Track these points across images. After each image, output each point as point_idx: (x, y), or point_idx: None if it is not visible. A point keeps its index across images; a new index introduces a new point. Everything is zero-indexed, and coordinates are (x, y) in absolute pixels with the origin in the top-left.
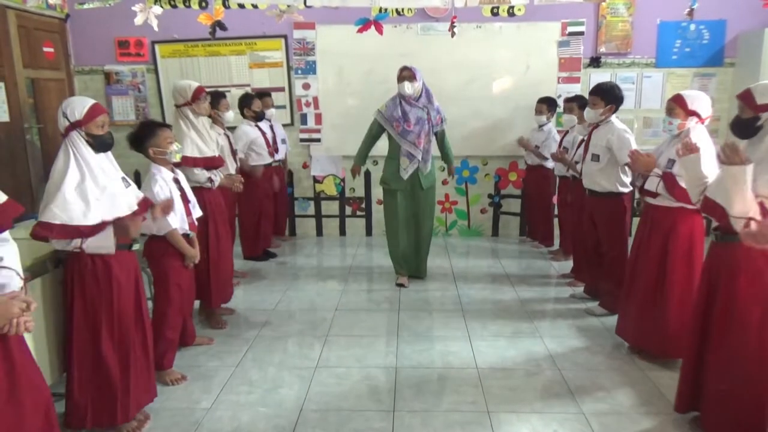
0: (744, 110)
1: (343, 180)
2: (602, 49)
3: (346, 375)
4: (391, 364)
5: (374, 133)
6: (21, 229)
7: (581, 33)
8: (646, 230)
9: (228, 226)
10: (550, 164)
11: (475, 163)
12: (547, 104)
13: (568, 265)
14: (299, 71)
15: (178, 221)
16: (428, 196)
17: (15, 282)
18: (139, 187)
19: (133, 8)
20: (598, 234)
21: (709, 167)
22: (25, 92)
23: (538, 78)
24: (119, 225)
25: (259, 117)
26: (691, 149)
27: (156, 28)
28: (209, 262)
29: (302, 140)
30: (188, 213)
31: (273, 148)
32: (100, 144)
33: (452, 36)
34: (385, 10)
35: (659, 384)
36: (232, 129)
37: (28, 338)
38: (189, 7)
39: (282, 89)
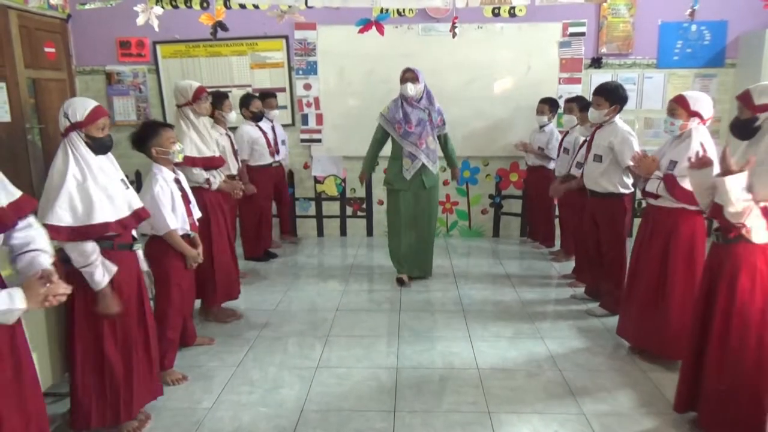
0: (743, 111)
1: (344, 180)
2: (603, 50)
3: (347, 375)
4: (392, 365)
5: (379, 137)
6: None
7: (582, 34)
8: (647, 231)
9: (229, 225)
10: (551, 165)
11: (476, 163)
12: (549, 105)
13: (568, 265)
14: (300, 72)
15: (177, 222)
16: (431, 196)
17: (45, 260)
18: (140, 187)
19: (135, 8)
20: (598, 234)
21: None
22: (27, 92)
23: (539, 79)
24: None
25: (257, 117)
26: (705, 163)
27: (157, 29)
28: (212, 262)
29: (303, 141)
30: (189, 213)
31: (274, 149)
32: (100, 146)
33: (453, 36)
34: (386, 10)
35: (660, 384)
36: (234, 129)
37: (29, 338)
38: (190, 7)
39: (283, 90)
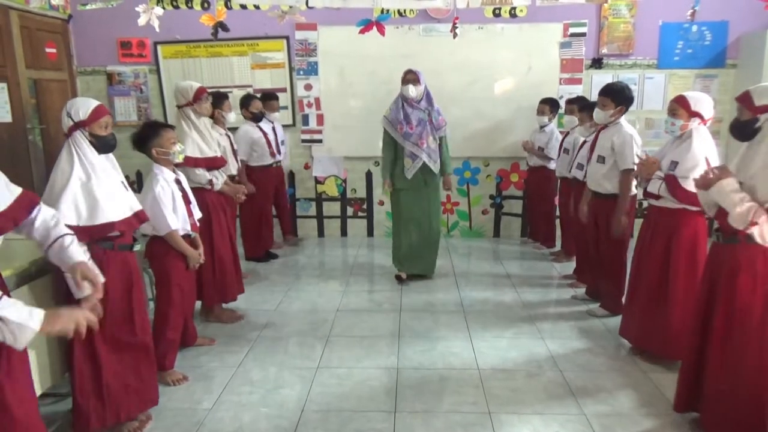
0: (742, 112)
1: (344, 181)
2: (604, 51)
3: (348, 376)
4: (393, 365)
5: (388, 140)
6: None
7: (583, 34)
8: (649, 232)
9: (231, 226)
10: (551, 165)
11: (477, 164)
12: (550, 105)
13: (569, 266)
14: (301, 72)
15: (178, 222)
16: (432, 195)
17: (74, 246)
18: (141, 187)
19: (136, 9)
20: (599, 235)
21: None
22: (28, 93)
23: (540, 79)
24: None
25: (257, 118)
26: (707, 184)
27: (158, 29)
28: (213, 263)
29: (304, 141)
30: (190, 214)
31: (275, 149)
32: (103, 145)
33: (454, 37)
34: (387, 11)
35: (660, 385)
36: (234, 130)
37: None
38: (191, 8)
39: (284, 90)
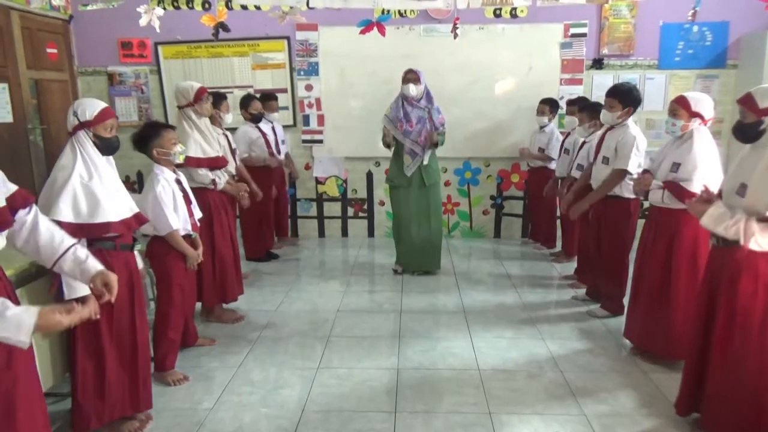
0: (746, 114)
1: (345, 181)
2: (605, 51)
3: (348, 376)
4: (393, 366)
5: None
6: None
7: (584, 35)
8: (651, 232)
9: (232, 226)
10: (552, 165)
11: (478, 164)
12: (550, 105)
13: (570, 266)
14: (302, 72)
15: (179, 222)
16: (432, 193)
17: (91, 260)
18: (141, 187)
19: (137, 9)
20: (600, 236)
21: (713, 170)
22: (29, 93)
23: (541, 79)
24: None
25: (256, 119)
26: (699, 212)
27: (158, 30)
28: (214, 263)
29: (305, 141)
30: (190, 214)
31: (274, 149)
32: (107, 146)
33: (455, 37)
34: (388, 11)
35: (661, 386)
36: (233, 130)
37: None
38: (192, 8)
39: (285, 90)
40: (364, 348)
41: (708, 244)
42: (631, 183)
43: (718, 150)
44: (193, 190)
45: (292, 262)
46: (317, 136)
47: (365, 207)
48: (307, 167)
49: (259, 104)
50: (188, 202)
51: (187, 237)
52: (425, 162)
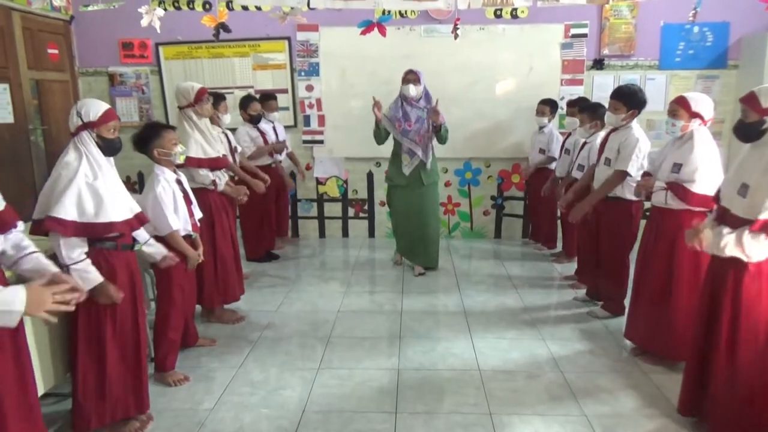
0: (748, 114)
1: (345, 182)
2: (605, 51)
3: (349, 376)
4: (394, 366)
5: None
6: (24, 231)
7: (584, 35)
8: (653, 233)
9: (233, 227)
10: (553, 165)
11: (478, 165)
12: (550, 106)
13: (570, 267)
14: (302, 73)
15: (179, 222)
16: (430, 192)
17: (49, 263)
18: (142, 187)
19: (139, 10)
20: (599, 237)
21: (714, 170)
22: (30, 94)
23: (541, 80)
24: (99, 287)
25: (255, 120)
26: (702, 245)
27: (159, 30)
28: (215, 264)
29: (305, 142)
30: (191, 214)
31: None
32: (109, 147)
33: (455, 38)
34: (388, 12)
35: (662, 386)
36: (232, 131)
37: (31, 340)
38: (193, 9)
39: (285, 91)
40: (364, 348)
41: None
42: (633, 185)
43: (719, 150)
44: (194, 190)
45: (293, 263)
46: (318, 137)
47: (366, 207)
48: (308, 168)
49: (258, 105)
50: (189, 202)
51: (188, 237)
52: (428, 166)
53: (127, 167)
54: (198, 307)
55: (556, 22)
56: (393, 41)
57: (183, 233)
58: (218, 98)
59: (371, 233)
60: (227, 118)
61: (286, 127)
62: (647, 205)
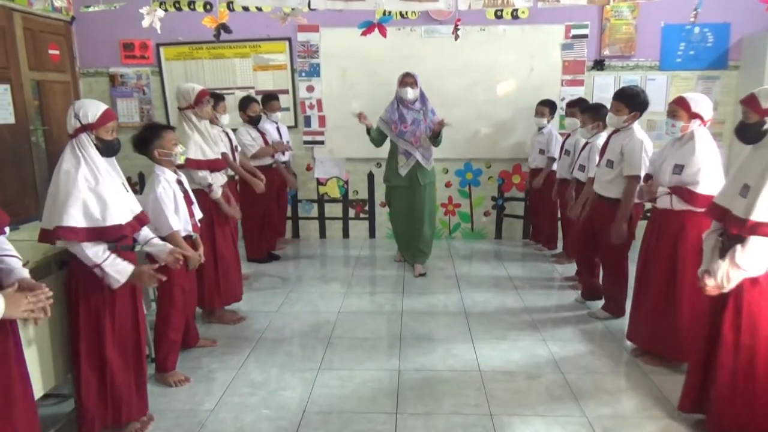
0: (748, 115)
1: (346, 182)
2: (606, 52)
3: (349, 377)
4: (394, 367)
5: (378, 136)
6: (24, 231)
7: (585, 36)
8: (654, 234)
9: (233, 227)
10: (554, 166)
11: (479, 165)
12: (549, 107)
13: (571, 267)
14: (303, 74)
15: (180, 223)
16: (426, 192)
17: (19, 265)
18: (143, 188)
19: (140, 11)
20: (597, 237)
21: (716, 170)
22: (31, 94)
23: (542, 81)
24: (138, 270)
25: (254, 121)
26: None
27: (159, 31)
28: (215, 264)
29: (306, 142)
30: (191, 214)
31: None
32: (108, 148)
33: (456, 39)
34: (389, 12)
35: (663, 388)
36: (233, 131)
37: (32, 339)
38: (194, 9)
39: (286, 92)
40: (365, 349)
41: None
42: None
43: (719, 151)
44: (194, 191)
45: (293, 263)
46: (318, 137)
47: (366, 208)
48: (309, 168)
49: (257, 107)
50: (189, 202)
51: (188, 238)
52: (429, 167)
53: (128, 168)
54: (198, 308)
55: (557, 23)
56: (393, 42)
57: (183, 234)
58: (217, 98)
59: (372, 234)
60: (226, 119)
61: (287, 128)
62: (647, 206)
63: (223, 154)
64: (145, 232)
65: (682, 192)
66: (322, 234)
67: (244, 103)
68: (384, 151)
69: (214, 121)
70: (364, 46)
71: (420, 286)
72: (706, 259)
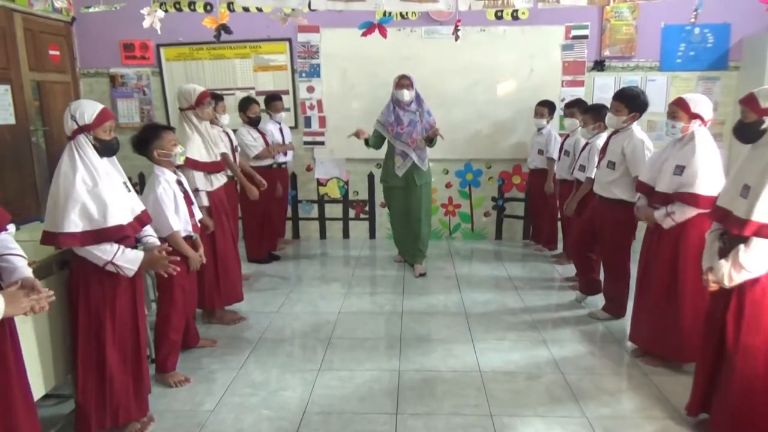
0: (747, 114)
1: (346, 183)
2: (606, 53)
3: (350, 378)
4: (395, 367)
5: (375, 137)
6: (25, 232)
7: (585, 36)
8: (655, 234)
9: (233, 227)
10: (554, 167)
11: (479, 166)
12: (548, 108)
13: (571, 268)
14: (303, 74)
15: (180, 223)
16: (422, 192)
17: (24, 264)
18: (143, 189)
19: (141, 11)
20: (596, 238)
21: (717, 171)
22: (31, 95)
23: (542, 81)
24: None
25: (254, 122)
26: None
27: (159, 32)
28: (215, 265)
29: (306, 143)
30: (191, 215)
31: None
32: (106, 149)
33: (456, 39)
34: (389, 13)
35: (663, 388)
36: (234, 131)
37: (32, 339)
38: (194, 10)
39: (286, 92)
40: (365, 350)
41: None
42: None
43: (720, 152)
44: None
45: (294, 264)
46: (319, 138)
47: (366, 209)
48: (309, 169)
49: (257, 108)
50: (189, 202)
51: (188, 238)
52: (424, 168)
53: (128, 168)
54: (198, 309)
55: (557, 24)
56: (394, 43)
57: (184, 234)
58: (216, 98)
59: (372, 234)
60: (225, 119)
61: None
62: None
63: (224, 155)
64: (146, 233)
65: (685, 197)
66: (323, 234)
67: (245, 104)
68: (384, 152)
69: (214, 122)
70: (365, 46)
71: (420, 286)
72: (707, 258)
